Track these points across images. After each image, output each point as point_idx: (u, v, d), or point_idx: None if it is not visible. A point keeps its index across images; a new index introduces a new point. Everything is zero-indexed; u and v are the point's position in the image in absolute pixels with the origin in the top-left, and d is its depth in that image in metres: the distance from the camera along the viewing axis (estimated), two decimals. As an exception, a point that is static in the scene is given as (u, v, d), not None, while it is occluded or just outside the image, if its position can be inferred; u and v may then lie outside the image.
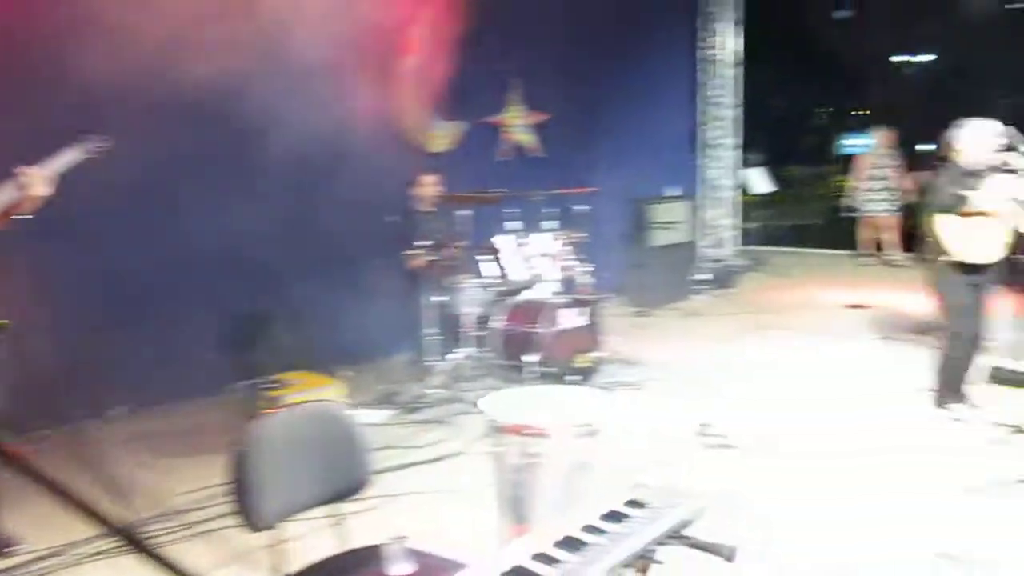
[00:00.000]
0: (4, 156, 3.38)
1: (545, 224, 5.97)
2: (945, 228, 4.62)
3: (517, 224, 5.98)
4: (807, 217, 20.32)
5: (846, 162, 13.67)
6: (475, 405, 3.81)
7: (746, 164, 10.67)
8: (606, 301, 8.69)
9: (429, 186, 5.97)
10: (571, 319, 5.62)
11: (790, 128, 29.97)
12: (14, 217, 3.29)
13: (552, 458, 2.45)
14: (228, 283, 5.56)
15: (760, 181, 10.17)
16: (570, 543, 1.59)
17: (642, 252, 8.46)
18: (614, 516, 1.76)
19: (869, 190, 10.21)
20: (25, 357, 3.52)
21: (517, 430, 2.49)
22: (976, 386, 5.06)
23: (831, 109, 29.77)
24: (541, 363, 5.40)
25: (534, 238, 5.91)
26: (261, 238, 5.23)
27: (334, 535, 2.35)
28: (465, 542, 2.80)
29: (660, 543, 1.68)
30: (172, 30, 4.68)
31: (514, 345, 5.52)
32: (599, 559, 1.54)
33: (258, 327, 5.67)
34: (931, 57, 25.36)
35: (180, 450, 4.73)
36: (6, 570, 3.39)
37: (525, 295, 5.89)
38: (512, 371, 5.55)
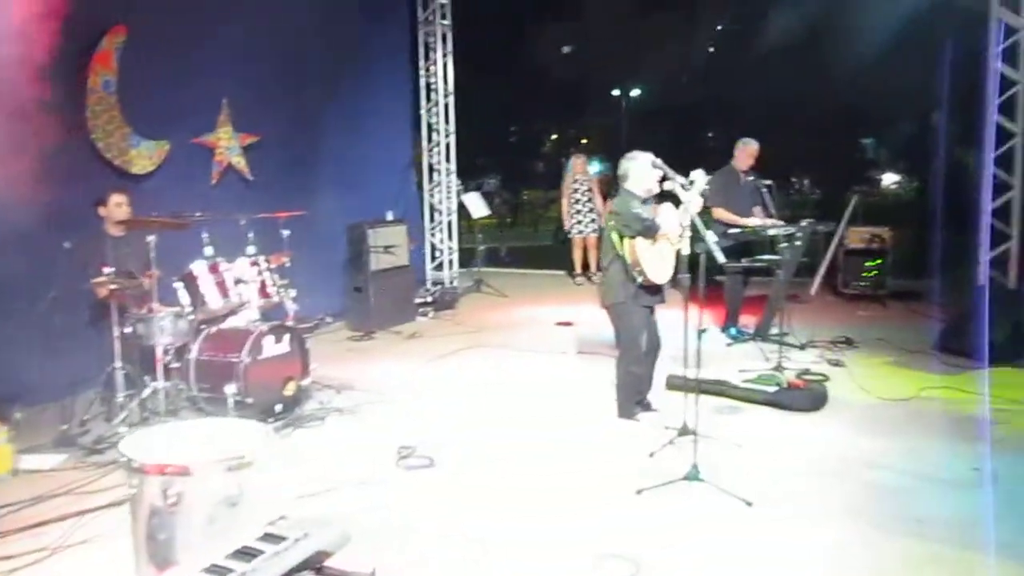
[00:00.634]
0: None
1: (249, 249, 5.76)
2: (640, 251, 5.04)
3: (216, 249, 5.70)
4: (538, 239, 21.53)
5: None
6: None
7: (465, 189, 11.06)
8: (326, 326, 8.64)
9: (117, 207, 5.52)
10: (275, 347, 5.46)
11: (524, 154, 31.71)
12: None
13: (198, 495, 2.35)
14: None
15: (477, 205, 10.61)
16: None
17: (362, 276, 8.45)
18: (244, 553, 1.72)
19: (577, 212, 10.99)
20: None
21: (158, 469, 2.36)
22: (655, 394, 5.60)
23: (555, 136, 31.93)
24: (243, 394, 5.20)
25: (238, 263, 5.68)
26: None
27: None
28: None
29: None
30: None
31: (213, 376, 5.25)
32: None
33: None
34: (639, 92, 27.95)
35: None
36: None
37: (227, 323, 5.64)
38: (212, 403, 5.28)
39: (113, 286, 4.93)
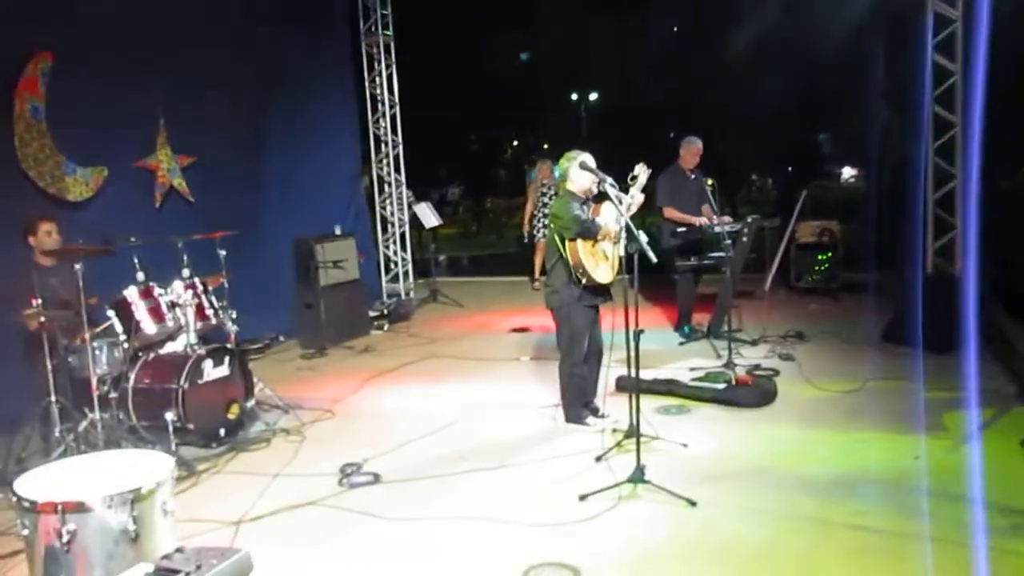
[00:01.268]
0: None
1: (184, 271, 5.64)
2: (581, 253, 5.02)
3: (153, 273, 5.56)
4: (501, 246, 21.52)
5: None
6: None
7: (421, 200, 10.99)
8: (277, 344, 8.52)
9: (47, 236, 5.38)
10: (215, 370, 5.36)
11: (486, 162, 31.72)
12: None
13: (94, 532, 2.26)
14: None
15: (428, 215, 10.55)
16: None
17: (311, 292, 8.35)
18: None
19: (545, 216, 10.97)
20: None
21: (51, 508, 2.27)
22: (602, 396, 5.57)
23: (516, 143, 31.98)
24: (183, 420, 5.09)
25: (174, 287, 5.56)
26: None
27: None
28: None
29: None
30: None
31: (152, 405, 5.13)
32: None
33: None
34: (596, 96, 28.13)
35: None
36: None
37: (164, 349, 5.52)
38: (153, 432, 5.16)
39: (43, 318, 4.78)
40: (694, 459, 4.68)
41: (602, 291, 5.19)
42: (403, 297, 10.97)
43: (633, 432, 4.70)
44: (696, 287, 7.92)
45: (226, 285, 5.96)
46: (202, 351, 5.31)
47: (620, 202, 4.84)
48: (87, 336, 4.94)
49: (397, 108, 10.92)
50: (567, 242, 5.01)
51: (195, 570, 1.73)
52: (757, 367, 6.51)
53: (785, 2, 13.88)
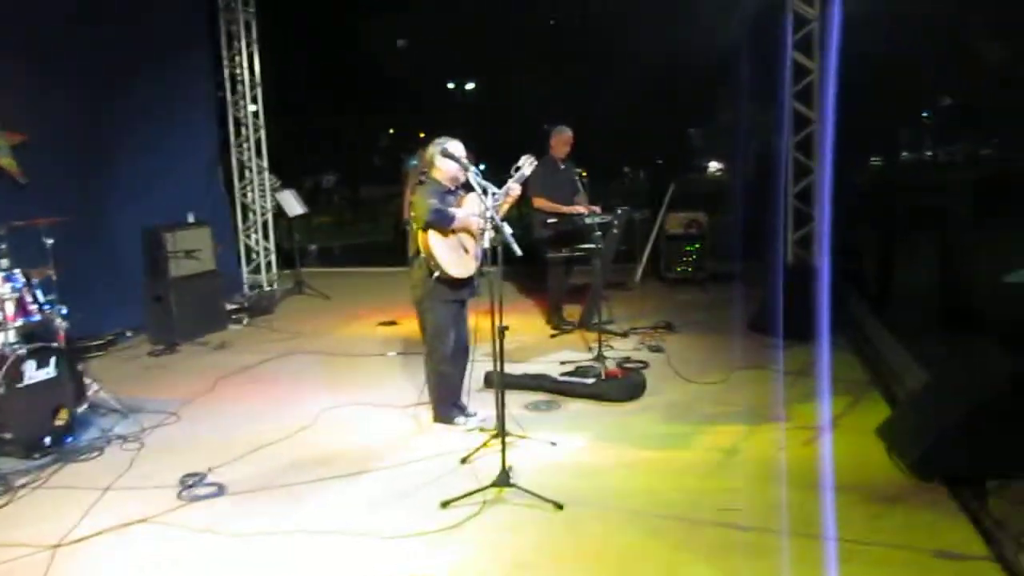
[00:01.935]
0: None
1: (2, 262, 5.02)
2: (436, 244, 4.75)
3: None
4: (376, 235, 20.97)
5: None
6: None
7: (282, 186, 10.43)
8: (124, 340, 7.88)
9: None
10: (39, 372, 4.79)
11: (360, 150, 30.92)
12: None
13: None
14: None
15: (292, 203, 10.02)
16: None
17: (161, 284, 7.73)
18: None
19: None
20: None
21: None
22: (468, 392, 5.35)
23: (392, 131, 31.34)
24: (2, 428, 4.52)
25: (-7, 279, 4.93)
26: None
27: None
28: None
29: None
30: None
31: (-38, 411, 4.53)
32: None
33: None
34: (472, 84, 28.00)
35: None
36: None
37: (-22, 349, 4.90)
38: (-36, 442, 4.56)
39: None
40: (562, 457, 4.53)
41: (464, 285, 4.94)
42: (265, 289, 10.41)
43: (501, 431, 4.51)
44: (568, 278, 7.83)
45: (53, 277, 5.36)
46: (22, 351, 4.73)
47: (486, 193, 4.62)
48: None
49: (259, 89, 10.31)
50: (420, 232, 4.75)
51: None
52: (627, 360, 6.46)
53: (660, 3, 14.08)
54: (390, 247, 14.97)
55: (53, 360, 4.90)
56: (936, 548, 3.36)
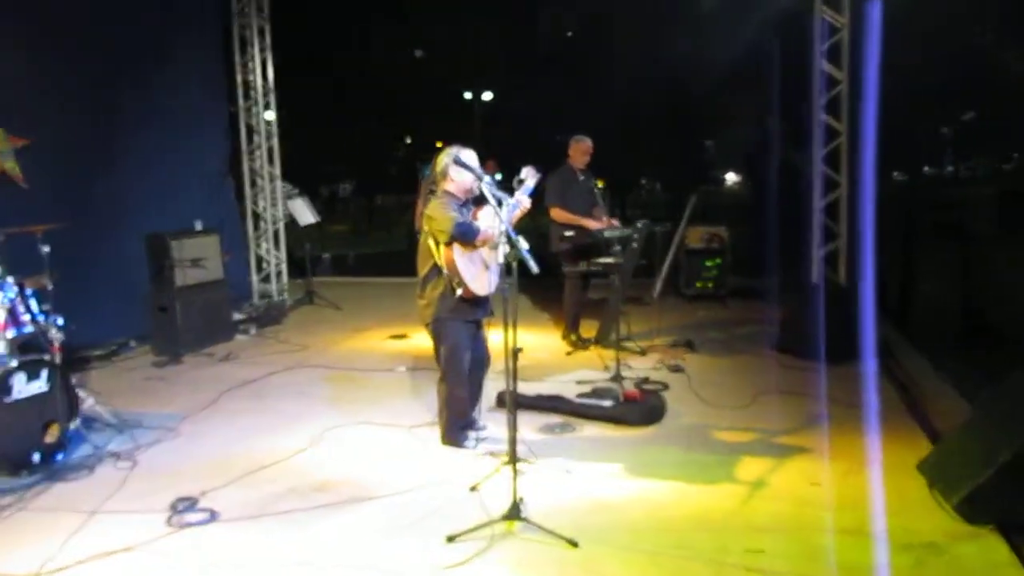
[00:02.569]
0: None
1: (-4, 270, 4.81)
2: (460, 260, 4.46)
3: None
4: (390, 244, 20.76)
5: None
6: None
7: (300, 194, 10.21)
8: (128, 350, 7.67)
9: None
10: (28, 386, 4.56)
11: (377, 160, 30.83)
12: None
13: None
14: None
15: (304, 212, 9.80)
16: None
17: (166, 293, 7.52)
18: None
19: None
20: None
21: None
22: (485, 413, 5.09)
23: (409, 141, 31.22)
24: (-16, 445, 4.29)
25: (-19, 288, 4.72)
26: None
27: None
28: None
29: None
30: None
31: (-54, 426, 4.31)
32: None
33: None
34: (490, 95, 27.87)
35: None
36: None
37: (-34, 360, 4.68)
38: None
39: None
40: (577, 487, 4.24)
41: (482, 303, 4.68)
42: (275, 299, 10.19)
43: (514, 457, 4.24)
44: (585, 293, 7.56)
45: (49, 286, 5.13)
46: (12, 364, 4.50)
47: (500, 204, 4.37)
48: None
49: (272, 96, 10.12)
50: (442, 247, 4.48)
51: None
52: (646, 380, 6.17)
53: (678, 8, 13.83)
54: (404, 256, 14.75)
55: (45, 373, 4.67)
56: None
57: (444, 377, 4.77)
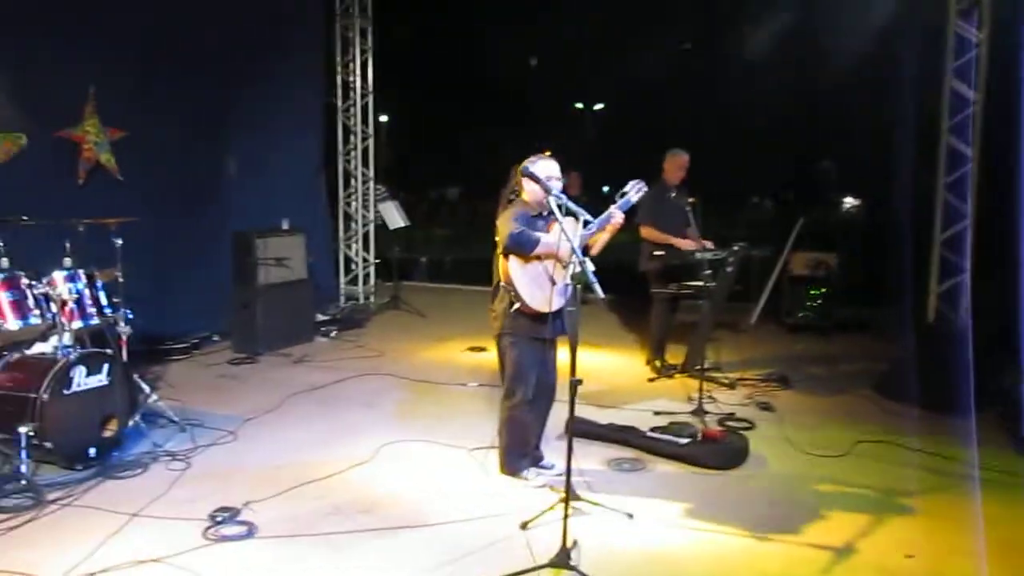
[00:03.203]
0: None
1: (66, 261, 4.80)
2: (516, 272, 4.19)
3: (12, 260, 4.70)
4: (487, 251, 20.66)
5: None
6: None
7: (385, 198, 10.14)
8: (210, 345, 7.72)
9: None
10: (89, 379, 4.52)
11: (480, 166, 30.94)
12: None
13: None
14: None
15: (394, 215, 9.71)
16: None
17: (248, 291, 7.52)
18: None
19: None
20: None
21: None
22: (552, 441, 4.78)
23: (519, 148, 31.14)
24: (41, 436, 4.26)
25: (55, 278, 4.72)
26: None
27: None
28: None
29: None
30: None
31: (6, 414, 4.30)
32: None
33: None
34: (601, 105, 27.55)
35: None
36: None
37: (33, 349, 4.69)
38: (7, 445, 4.32)
39: None
40: (639, 536, 3.84)
41: (549, 321, 4.33)
42: (360, 302, 10.14)
43: (572, 495, 3.90)
44: (673, 316, 7.12)
45: (120, 279, 5.11)
46: (73, 356, 4.47)
47: (578, 219, 4.06)
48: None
49: (370, 98, 10.11)
50: (501, 258, 4.21)
51: None
52: (731, 416, 5.71)
53: (801, 21, 13.12)
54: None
55: (106, 367, 4.63)
56: None
57: (506, 396, 4.47)
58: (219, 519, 3.86)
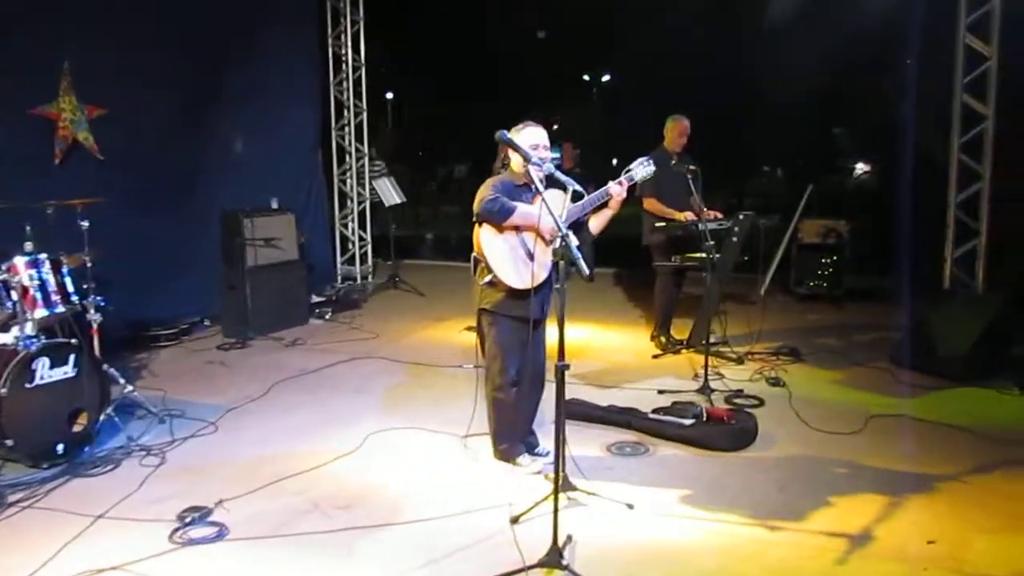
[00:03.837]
0: None
1: (27, 245, 4.52)
2: (490, 243, 3.91)
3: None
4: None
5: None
6: None
7: (377, 174, 9.83)
8: (201, 329, 7.50)
9: None
10: (53, 371, 4.27)
11: (490, 142, 30.48)
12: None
13: None
14: None
15: (389, 192, 9.40)
16: None
17: (236, 272, 7.26)
18: None
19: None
20: None
21: None
22: (545, 425, 4.51)
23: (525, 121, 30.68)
24: (0, 434, 4.02)
25: (17, 263, 4.45)
26: None
27: None
28: None
29: None
30: None
31: (-35, 411, 4.05)
32: None
33: None
34: (607, 77, 27.08)
35: None
36: None
37: (-5, 341, 4.44)
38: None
39: None
40: (638, 529, 3.56)
41: (531, 299, 4.02)
42: (358, 282, 9.87)
43: (563, 486, 3.64)
44: (678, 290, 6.82)
45: (89, 263, 4.85)
46: (36, 347, 4.22)
47: (566, 190, 3.77)
48: None
49: (363, 71, 9.76)
50: (476, 227, 3.91)
51: None
52: (739, 393, 5.42)
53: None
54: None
55: (73, 358, 4.37)
56: None
57: (487, 377, 4.20)
58: (188, 520, 3.60)
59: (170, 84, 7.50)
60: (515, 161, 3.96)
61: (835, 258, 8.57)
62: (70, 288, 4.67)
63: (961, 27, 7.26)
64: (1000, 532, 3.46)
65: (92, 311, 4.83)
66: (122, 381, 5.00)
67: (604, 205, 4.03)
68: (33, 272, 4.42)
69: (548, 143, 4.02)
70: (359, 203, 10.01)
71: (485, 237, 3.88)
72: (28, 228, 4.51)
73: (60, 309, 4.54)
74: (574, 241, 3.17)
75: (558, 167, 3.86)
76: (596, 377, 5.88)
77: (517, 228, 3.91)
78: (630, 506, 3.73)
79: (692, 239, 6.15)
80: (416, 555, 3.33)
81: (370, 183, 9.84)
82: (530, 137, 3.90)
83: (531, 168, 3.49)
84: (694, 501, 3.83)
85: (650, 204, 6.51)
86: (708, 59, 19.02)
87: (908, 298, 7.31)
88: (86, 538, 3.49)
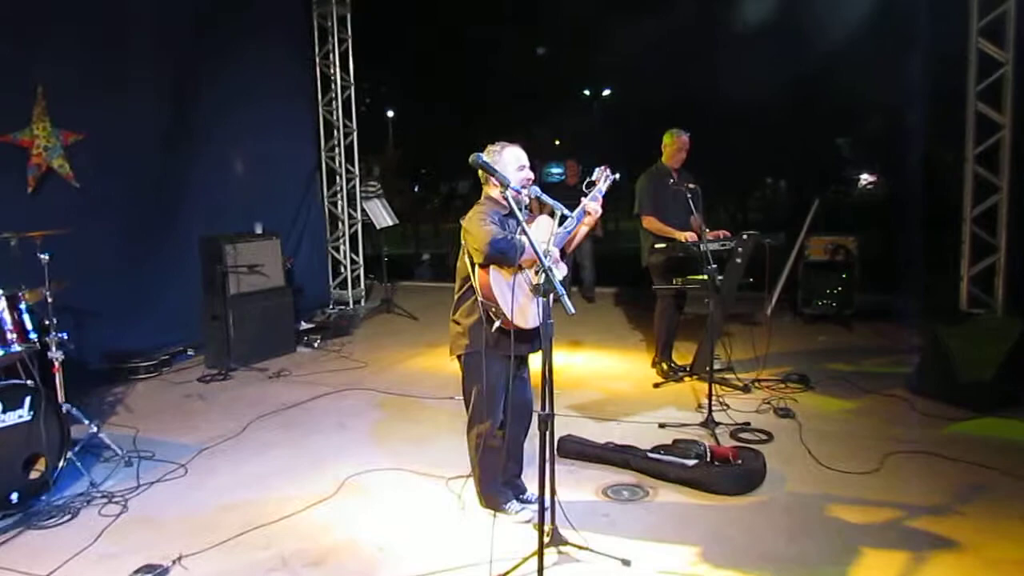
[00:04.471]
0: None
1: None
2: (494, 284, 3.49)
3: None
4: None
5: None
6: None
7: (368, 196, 9.55)
8: (183, 360, 7.21)
9: None
10: (8, 415, 3.97)
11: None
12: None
13: None
14: None
15: (380, 214, 9.11)
16: None
17: (219, 301, 6.96)
18: None
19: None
20: None
21: None
22: (535, 465, 4.16)
23: (529, 139, 30.55)
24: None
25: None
26: None
27: None
28: None
29: None
30: None
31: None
32: None
33: None
34: (608, 91, 26.93)
35: None
36: None
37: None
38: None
39: None
40: (636, 587, 3.24)
41: (529, 337, 3.71)
42: (350, 307, 9.57)
43: (552, 540, 3.32)
44: (679, 314, 6.50)
45: (50, 299, 4.55)
46: (-7, 386, 3.92)
47: (554, 215, 3.46)
48: None
49: (352, 90, 9.50)
50: (477, 268, 3.56)
51: None
52: (746, 426, 5.08)
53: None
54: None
55: (28, 400, 4.07)
56: None
57: (473, 423, 3.87)
58: (148, 572, 3.28)
59: (149, 108, 7.29)
60: (493, 187, 3.64)
61: (844, 276, 8.22)
62: (28, 325, 4.36)
63: (973, 31, 6.98)
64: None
65: (54, 348, 4.53)
66: (86, 421, 4.69)
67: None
68: (-5, 307, 4.12)
69: (527, 162, 3.70)
70: (351, 226, 9.70)
71: (495, 279, 3.47)
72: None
73: (16, 348, 4.23)
74: (558, 275, 2.85)
75: (562, 183, 3.55)
76: (594, 408, 5.57)
77: (521, 265, 3.54)
78: (626, 562, 3.39)
79: (693, 260, 5.84)
80: (388, 624, 3.00)
81: (361, 205, 9.56)
82: (514, 159, 3.59)
83: (508, 194, 3.16)
84: (696, 556, 3.49)
85: (649, 223, 6.21)
86: (705, 74, 18.83)
87: (922, 319, 6.96)
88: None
